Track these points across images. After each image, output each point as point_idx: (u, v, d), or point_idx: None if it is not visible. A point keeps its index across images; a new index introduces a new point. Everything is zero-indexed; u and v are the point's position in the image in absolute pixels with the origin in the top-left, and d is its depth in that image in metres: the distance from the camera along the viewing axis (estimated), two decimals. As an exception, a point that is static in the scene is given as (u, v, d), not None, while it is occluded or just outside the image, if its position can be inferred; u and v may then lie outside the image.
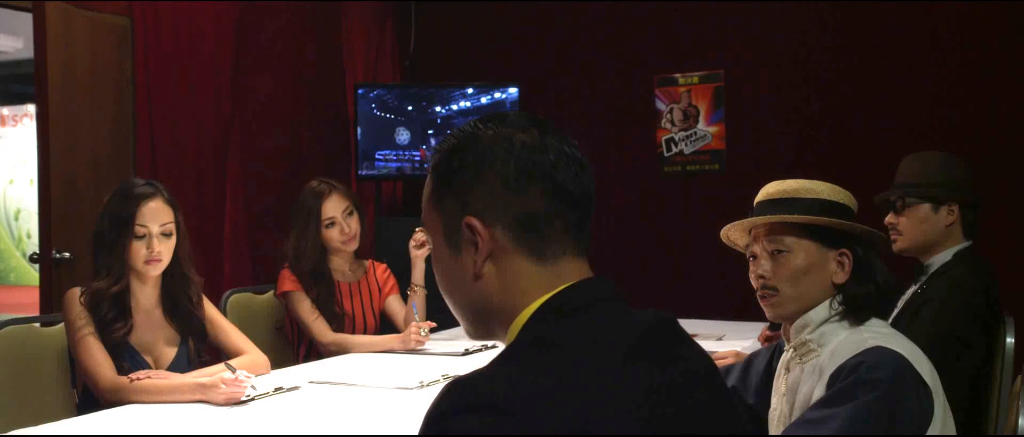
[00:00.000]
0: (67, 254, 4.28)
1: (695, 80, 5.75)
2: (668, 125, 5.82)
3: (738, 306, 5.05)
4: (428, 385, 2.69)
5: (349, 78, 5.98)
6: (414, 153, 5.75)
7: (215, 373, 2.51)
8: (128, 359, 2.68)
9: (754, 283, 2.00)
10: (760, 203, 2.04)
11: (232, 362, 2.64)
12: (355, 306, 3.50)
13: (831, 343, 1.89)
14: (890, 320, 2.85)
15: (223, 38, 5.19)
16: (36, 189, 4.43)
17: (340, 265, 3.53)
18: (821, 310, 1.93)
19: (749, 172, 5.58)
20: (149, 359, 2.75)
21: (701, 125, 5.75)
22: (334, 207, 3.44)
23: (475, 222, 1.20)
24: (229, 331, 2.90)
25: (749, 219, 2.04)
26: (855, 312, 1.90)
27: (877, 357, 1.76)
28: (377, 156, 5.71)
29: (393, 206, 6.32)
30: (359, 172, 5.70)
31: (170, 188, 4.77)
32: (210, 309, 2.92)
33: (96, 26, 4.65)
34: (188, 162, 5.02)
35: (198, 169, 5.06)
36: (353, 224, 3.46)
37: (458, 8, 6.29)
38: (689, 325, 3.60)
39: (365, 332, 3.49)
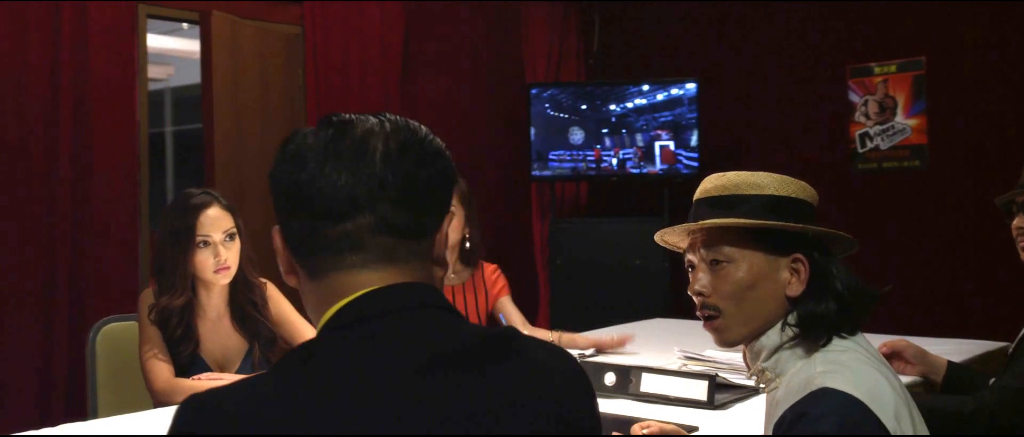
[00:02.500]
0: (230, 254, 4.50)
1: (892, 69, 5.24)
2: (862, 119, 5.34)
3: (956, 321, 4.57)
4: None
5: (529, 78, 5.95)
6: (588, 153, 5.62)
7: None
8: (194, 373, 2.71)
9: (695, 300, 1.68)
10: (696, 202, 1.72)
11: None
12: (458, 309, 3.43)
13: (787, 374, 1.59)
14: (1014, 344, 2.44)
15: (392, 42, 5.30)
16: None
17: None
18: (773, 334, 1.61)
19: (956, 169, 5.03)
20: (216, 369, 2.77)
21: (899, 118, 5.23)
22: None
23: (277, 241, 1.18)
24: (302, 330, 2.89)
25: (681, 225, 1.72)
26: (811, 334, 1.58)
27: (823, 405, 1.43)
28: (551, 157, 5.63)
29: (574, 207, 6.22)
30: (533, 173, 5.64)
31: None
32: (282, 308, 2.92)
33: (266, 36, 4.88)
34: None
35: (367, 171, 5.19)
36: (454, 226, 3.39)
37: (642, 3, 6.09)
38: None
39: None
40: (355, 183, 1.10)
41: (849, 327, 1.60)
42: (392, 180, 1.11)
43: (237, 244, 2.75)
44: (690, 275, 1.69)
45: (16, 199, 3.96)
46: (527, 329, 3.43)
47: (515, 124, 5.82)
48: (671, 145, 5.55)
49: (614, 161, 5.60)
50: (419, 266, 1.15)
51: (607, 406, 2.45)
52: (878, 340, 2.94)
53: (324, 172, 1.10)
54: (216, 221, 2.70)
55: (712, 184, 1.69)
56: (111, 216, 4.22)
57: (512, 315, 3.49)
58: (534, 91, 5.64)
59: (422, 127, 1.20)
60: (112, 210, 4.23)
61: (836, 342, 1.56)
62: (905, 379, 2.67)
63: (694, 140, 5.51)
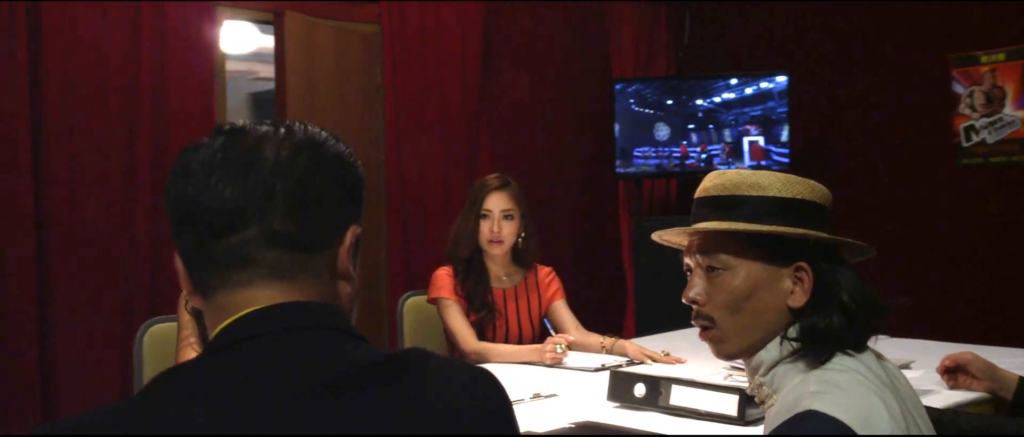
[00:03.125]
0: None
1: (1001, 58, 4.89)
2: (967, 111, 5.01)
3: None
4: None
5: (616, 74, 5.81)
6: (674, 149, 5.45)
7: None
8: None
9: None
10: (695, 201, 1.59)
11: None
12: (510, 313, 3.35)
13: (783, 390, 1.45)
14: None
15: (470, 40, 5.26)
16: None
17: (495, 269, 3.40)
18: (772, 348, 1.48)
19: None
20: None
21: (1008, 110, 4.88)
22: (496, 202, 3.32)
23: (177, 261, 1.11)
24: None
25: (676, 228, 1.61)
26: (813, 349, 1.44)
27: (806, 428, 1.30)
28: (635, 153, 5.49)
29: (664, 205, 6.05)
30: (617, 170, 5.51)
31: (416, 190, 4.96)
32: None
33: (343, 35, 4.90)
34: (436, 164, 5.14)
35: (446, 170, 5.17)
36: (506, 227, 3.31)
37: (734, -7, 5.89)
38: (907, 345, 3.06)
39: (520, 340, 3.34)
40: (241, 194, 1.03)
41: (854, 343, 1.45)
42: (281, 189, 1.04)
43: None
44: (688, 280, 1.57)
45: (97, 197, 4.06)
46: (579, 334, 3.33)
47: (599, 120, 5.70)
48: (760, 140, 5.34)
49: (701, 157, 5.42)
50: (316, 283, 1.07)
51: (635, 420, 2.33)
52: (948, 349, 2.74)
53: (209, 184, 1.03)
54: None
55: (711, 182, 1.56)
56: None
57: (565, 320, 3.40)
58: (618, 86, 5.50)
59: (323, 132, 1.13)
60: None
61: (838, 359, 1.42)
62: (970, 396, 2.47)
63: (785, 135, 5.28)
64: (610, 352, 3.18)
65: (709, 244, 1.52)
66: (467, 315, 3.30)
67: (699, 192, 1.57)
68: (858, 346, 1.45)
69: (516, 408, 2.36)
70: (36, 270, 3.91)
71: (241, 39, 5.78)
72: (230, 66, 8.74)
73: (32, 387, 3.83)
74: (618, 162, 5.49)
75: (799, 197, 1.49)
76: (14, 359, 3.84)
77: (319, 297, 1.07)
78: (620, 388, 2.44)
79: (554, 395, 2.60)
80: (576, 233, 5.81)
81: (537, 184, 5.61)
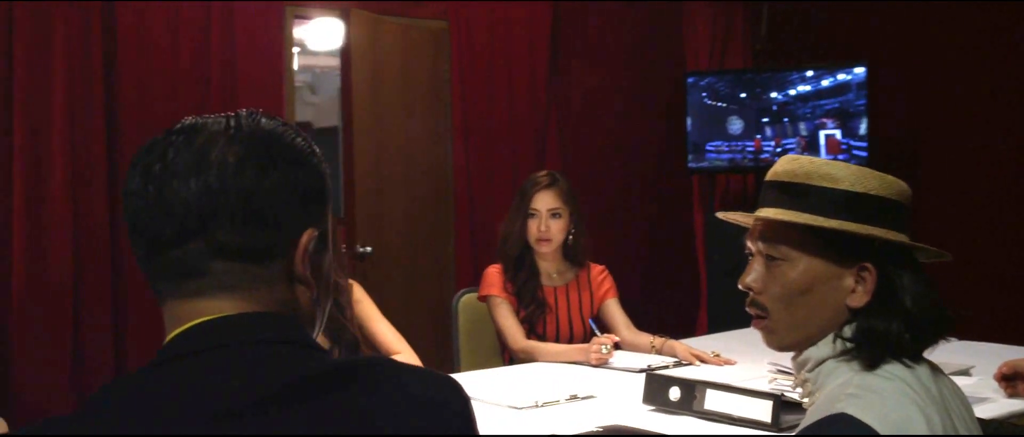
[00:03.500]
0: (370, 248, 4.59)
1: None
2: (1058, 102, 4.77)
3: None
4: (543, 405, 2.48)
5: (690, 66, 5.71)
6: (747, 143, 5.33)
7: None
8: None
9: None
10: (765, 183, 1.51)
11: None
12: (560, 311, 3.32)
13: (826, 388, 1.39)
14: None
15: (539, 34, 5.23)
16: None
17: (545, 267, 3.37)
18: (824, 345, 1.41)
19: None
20: None
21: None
22: (543, 201, 3.29)
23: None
24: (384, 336, 2.87)
25: (741, 212, 1.55)
26: (865, 353, 1.36)
27: (834, 430, 1.24)
28: (708, 148, 5.39)
29: (741, 200, 5.93)
30: (689, 165, 5.42)
31: (484, 185, 4.96)
32: (365, 311, 2.92)
33: (409, 32, 4.93)
34: (504, 160, 5.14)
35: (513, 163, 5.16)
36: (554, 226, 3.27)
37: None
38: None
39: (570, 339, 3.30)
40: (183, 209, 1.00)
41: (911, 352, 1.38)
42: (225, 201, 1.00)
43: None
44: (748, 264, 1.51)
45: None
46: (629, 333, 3.28)
47: (670, 115, 5.61)
48: (837, 134, 5.18)
49: (775, 152, 5.29)
50: (269, 291, 1.05)
51: (667, 424, 2.29)
52: (1012, 354, 2.62)
53: (153, 198, 1.01)
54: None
55: (784, 167, 1.49)
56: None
57: (616, 319, 3.35)
58: (691, 80, 5.41)
59: (279, 129, 1.08)
60: None
61: (889, 366, 1.35)
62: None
63: (863, 128, 5.11)
64: (659, 352, 3.13)
65: (771, 232, 1.46)
66: (517, 313, 3.28)
67: (770, 175, 1.50)
68: (915, 356, 1.38)
69: (551, 409, 2.35)
70: (110, 265, 4.04)
71: (334, 36, 5.85)
72: (324, 62, 8.88)
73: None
74: (690, 157, 5.39)
75: (872, 192, 1.41)
76: (90, 347, 3.99)
77: (273, 306, 1.05)
78: (655, 391, 2.40)
79: (591, 397, 2.57)
80: (648, 229, 5.74)
81: (607, 180, 5.57)
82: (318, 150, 1.12)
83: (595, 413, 2.40)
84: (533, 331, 3.28)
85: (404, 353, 2.87)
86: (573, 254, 3.37)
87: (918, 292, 1.39)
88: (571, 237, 3.34)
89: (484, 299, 3.35)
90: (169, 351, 1.01)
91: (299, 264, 1.07)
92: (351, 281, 2.91)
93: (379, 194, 4.73)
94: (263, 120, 1.07)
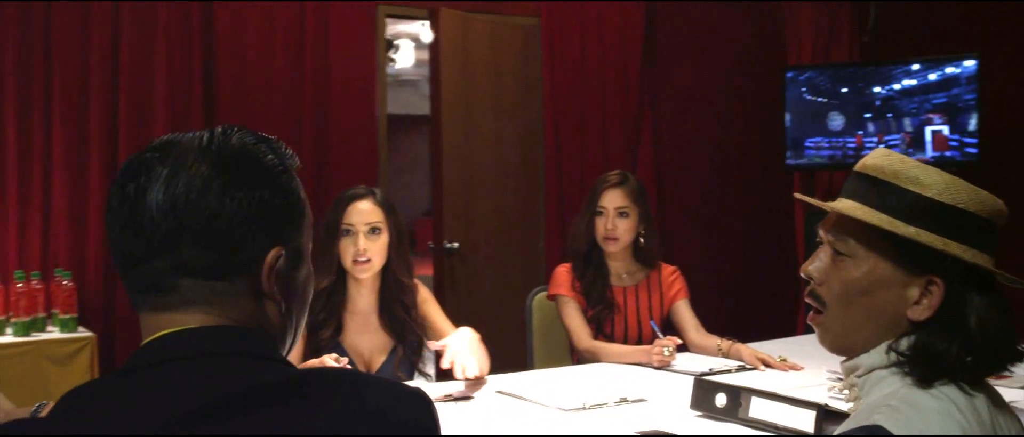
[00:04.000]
0: (457, 244, 4.64)
1: None
2: None
3: None
4: (590, 408, 2.46)
5: (792, 61, 5.56)
6: (848, 140, 5.15)
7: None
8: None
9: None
10: (853, 173, 1.44)
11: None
12: (629, 311, 3.28)
13: (872, 396, 1.33)
14: None
15: (632, 30, 5.19)
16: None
17: (615, 267, 3.33)
18: (876, 354, 1.34)
19: None
20: (359, 363, 2.84)
21: None
22: (611, 199, 3.26)
23: None
24: (448, 332, 2.88)
25: (814, 199, 1.50)
26: (918, 371, 1.29)
27: None
28: (807, 144, 5.23)
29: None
30: (787, 162, 5.27)
31: (575, 180, 4.95)
32: (429, 312, 2.94)
33: (500, 29, 4.95)
34: (595, 156, 5.11)
35: (605, 158, 5.13)
36: (621, 225, 3.23)
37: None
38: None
39: (639, 340, 3.26)
40: (151, 230, 1.04)
41: (970, 377, 1.30)
42: (191, 223, 1.03)
43: (382, 240, 2.77)
44: (815, 252, 1.45)
45: None
46: (698, 336, 3.22)
47: (768, 110, 5.47)
48: (945, 130, 4.95)
49: (878, 148, 5.09)
50: (234, 306, 1.07)
51: (710, 430, 2.24)
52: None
53: (123, 218, 1.05)
54: (363, 214, 2.76)
55: (874, 160, 1.41)
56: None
57: (686, 321, 3.29)
58: (790, 74, 5.26)
59: (250, 148, 1.10)
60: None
61: (942, 387, 1.28)
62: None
63: (973, 124, 4.87)
64: (726, 356, 3.06)
65: (843, 225, 1.39)
66: (585, 312, 3.26)
67: (859, 165, 1.43)
68: (975, 381, 1.31)
69: (597, 412, 2.33)
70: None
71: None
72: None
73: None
74: (789, 153, 5.25)
75: (959, 205, 1.33)
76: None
77: (240, 320, 1.08)
78: (703, 397, 2.35)
79: (641, 400, 2.54)
80: (743, 228, 5.62)
81: (702, 178, 5.48)
82: (292, 166, 1.14)
83: (641, 417, 2.37)
84: (601, 331, 3.26)
85: (465, 352, 2.87)
86: (643, 255, 3.33)
87: (987, 316, 1.30)
88: (641, 238, 3.30)
89: (553, 298, 3.34)
90: (132, 361, 1.05)
91: (265, 281, 1.09)
92: (416, 281, 2.94)
93: (468, 190, 4.78)
94: (235, 137, 1.10)
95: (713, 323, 3.39)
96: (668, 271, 3.38)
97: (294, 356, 2.74)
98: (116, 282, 3.99)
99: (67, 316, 3.64)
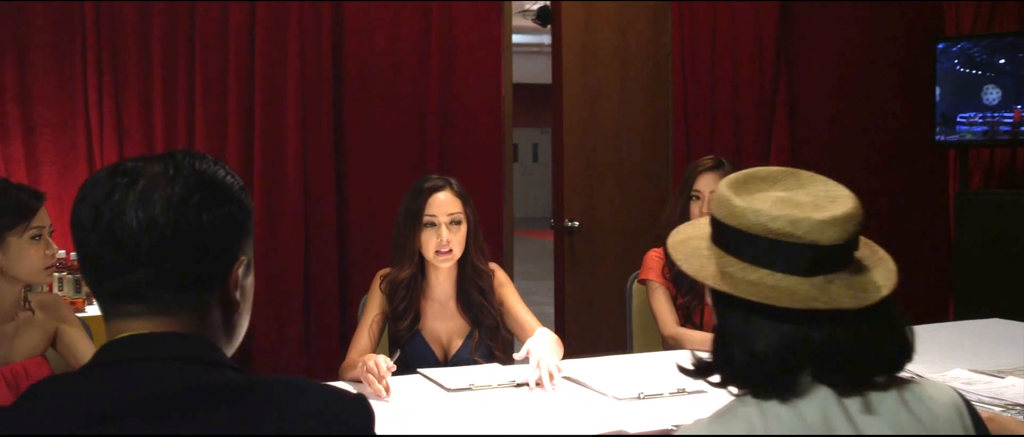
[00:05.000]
0: (577, 223, 4.67)
1: None
2: None
3: None
4: (645, 398, 2.46)
5: (950, 30, 5.24)
6: (1006, 114, 4.82)
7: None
8: (413, 349, 2.89)
9: None
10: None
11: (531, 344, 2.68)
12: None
13: None
14: None
15: (767, 5, 5.02)
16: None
17: None
18: None
19: None
20: (437, 348, 2.92)
21: None
22: (707, 183, 3.20)
23: None
24: (524, 320, 2.92)
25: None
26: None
27: None
28: (959, 119, 4.93)
29: (1009, 178, 5.37)
30: (937, 138, 4.99)
31: (705, 154, 4.86)
32: (505, 295, 2.97)
33: (627, 10, 4.90)
34: (725, 133, 5.02)
35: (736, 137, 5.03)
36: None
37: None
38: None
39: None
40: (118, 250, 1.14)
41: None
42: (157, 245, 1.14)
43: (462, 230, 2.85)
44: None
45: (386, 193, 4.47)
46: None
47: (915, 85, 5.19)
48: (1113, 104, 4.56)
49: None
50: (195, 314, 1.18)
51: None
52: None
53: (91, 239, 1.16)
54: (443, 205, 2.83)
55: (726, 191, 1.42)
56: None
57: None
58: (941, 46, 4.96)
59: (212, 170, 1.21)
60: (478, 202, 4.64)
61: (763, 396, 1.32)
62: None
63: None
64: None
65: None
66: (675, 299, 3.24)
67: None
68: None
69: (651, 402, 2.32)
70: (337, 249, 4.44)
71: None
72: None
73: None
74: (938, 129, 4.98)
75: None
76: (320, 321, 4.41)
77: (199, 327, 1.18)
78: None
79: (700, 391, 2.51)
80: (889, 209, 5.36)
81: (843, 158, 5.26)
82: (241, 184, 1.25)
83: (689, 409, 2.35)
84: (689, 320, 3.22)
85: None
86: None
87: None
88: None
89: (643, 282, 3.33)
90: (95, 358, 1.17)
91: (232, 290, 1.21)
92: (494, 266, 3.00)
93: (590, 170, 4.80)
94: (197, 162, 1.21)
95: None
96: None
97: (361, 350, 2.83)
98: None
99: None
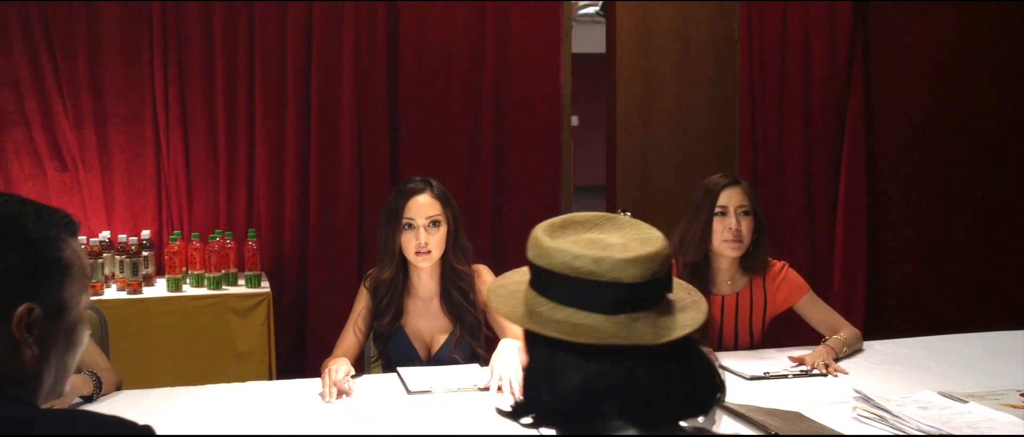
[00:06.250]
0: (628, 214, 4.67)
1: None
2: None
3: None
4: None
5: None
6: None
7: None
8: (395, 346, 3.00)
9: None
10: None
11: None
12: (727, 321, 3.15)
13: None
14: None
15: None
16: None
17: (723, 270, 3.16)
18: None
19: None
20: (420, 346, 3.02)
21: None
22: (732, 197, 3.10)
23: None
24: (502, 319, 2.96)
25: None
26: None
27: None
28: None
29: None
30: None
31: (773, 150, 4.79)
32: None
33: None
34: (794, 120, 4.91)
35: (806, 126, 4.91)
36: (745, 224, 3.06)
37: None
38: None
39: (752, 347, 3.14)
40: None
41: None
42: None
43: (442, 231, 2.93)
44: None
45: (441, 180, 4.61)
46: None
47: (1013, 66, 4.92)
48: None
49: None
50: None
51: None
52: None
53: None
54: (422, 207, 2.92)
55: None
56: (529, 204, 4.72)
57: (814, 317, 3.14)
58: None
59: (12, 215, 1.32)
60: (530, 200, 4.73)
61: None
62: None
63: None
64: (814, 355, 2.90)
65: None
66: None
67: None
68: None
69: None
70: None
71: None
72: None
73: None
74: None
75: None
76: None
77: None
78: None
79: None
80: (974, 211, 5.12)
81: (927, 147, 5.07)
82: (58, 235, 1.35)
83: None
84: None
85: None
86: (750, 262, 3.14)
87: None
88: (752, 243, 3.13)
89: None
90: None
91: (16, 330, 1.32)
92: (479, 266, 3.06)
93: (644, 158, 4.79)
94: (3, 208, 1.33)
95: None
96: (774, 270, 3.18)
97: (346, 348, 2.96)
98: (307, 241, 4.49)
99: (251, 273, 4.17)
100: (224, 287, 4.13)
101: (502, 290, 1.49)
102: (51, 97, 4.23)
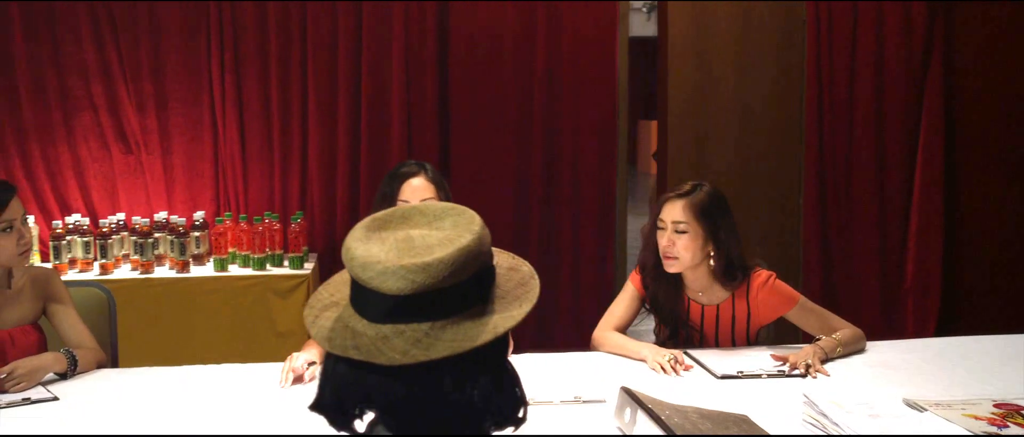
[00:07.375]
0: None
1: None
2: None
3: None
4: (537, 404, 2.45)
5: None
6: None
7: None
8: None
9: None
10: None
11: None
12: (707, 331, 2.97)
13: None
14: None
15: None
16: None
17: (692, 281, 2.98)
18: None
19: None
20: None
21: None
22: (670, 212, 2.88)
23: None
24: None
25: None
26: None
27: None
28: None
29: None
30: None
31: (842, 136, 4.61)
32: None
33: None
34: (866, 107, 4.70)
35: (879, 113, 4.71)
36: (679, 242, 2.86)
37: None
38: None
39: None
40: None
41: None
42: None
43: None
44: None
45: (495, 177, 4.63)
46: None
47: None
48: None
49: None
50: None
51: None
52: None
53: None
54: (417, 190, 2.91)
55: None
56: (584, 203, 4.69)
57: (809, 326, 2.96)
58: None
59: None
60: (587, 199, 4.71)
61: None
62: None
63: None
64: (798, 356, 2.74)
65: None
66: (657, 328, 3.09)
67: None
68: None
69: (544, 409, 2.31)
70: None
71: None
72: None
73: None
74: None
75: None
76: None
77: None
78: (620, 406, 2.25)
79: (599, 401, 2.43)
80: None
81: (1013, 135, 4.73)
82: None
83: (579, 420, 2.31)
84: (675, 335, 3.02)
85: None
86: (718, 276, 2.95)
87: None
88: (711, 259, 2.92)
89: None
90: None
91: None
92: None
93: (701, 143, 4.67)
94: None
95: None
96: (757, 283, 2.96)
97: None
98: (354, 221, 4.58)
99: (294, 254, 4.28)
100: (268, 268, 4.26)
101: (326, 285, 1.47)
102: (116, 82, 4.46)
